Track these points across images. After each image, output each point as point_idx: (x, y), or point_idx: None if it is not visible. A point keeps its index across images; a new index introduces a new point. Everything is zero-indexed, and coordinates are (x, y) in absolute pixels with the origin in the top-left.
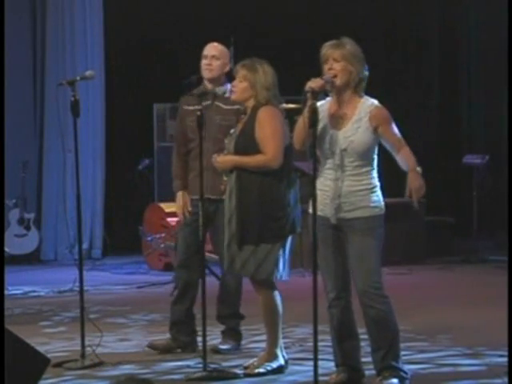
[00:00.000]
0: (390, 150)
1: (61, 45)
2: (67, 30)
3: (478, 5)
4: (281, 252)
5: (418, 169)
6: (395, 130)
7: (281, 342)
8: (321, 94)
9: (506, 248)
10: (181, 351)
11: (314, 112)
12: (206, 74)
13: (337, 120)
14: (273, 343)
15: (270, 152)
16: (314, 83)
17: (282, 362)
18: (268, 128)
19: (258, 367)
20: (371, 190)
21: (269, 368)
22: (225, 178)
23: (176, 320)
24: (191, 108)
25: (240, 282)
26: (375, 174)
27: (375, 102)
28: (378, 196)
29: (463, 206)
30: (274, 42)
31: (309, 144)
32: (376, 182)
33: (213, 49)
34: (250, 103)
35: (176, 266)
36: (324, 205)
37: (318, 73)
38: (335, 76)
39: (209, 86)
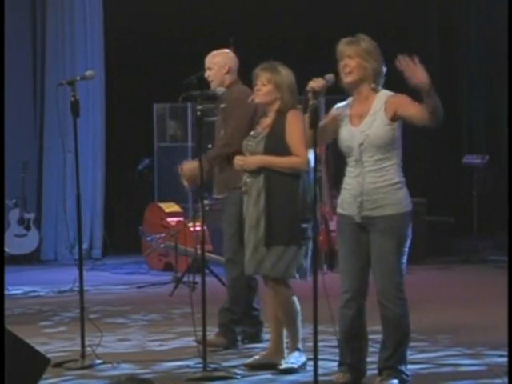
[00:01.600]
0: (418, 122)
1: (61, 45)
2: (67, 30)
3: (478, 5)
4: (305, 252)
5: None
6: (416, 103)
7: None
8: (322, 93)
9: (506, 248)
10: (248, 342)
11: (315, 112)
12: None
13: (356, 117)
14: (296, 339)
15: (303, 155)
16: (315, 83)
17: (305, 357)
18: (298, 131)
19: (290, 363)
20: (393, 186)
21: (299, 363)
22: (247, 180)
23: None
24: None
25: (248, 283)
26: (398, 168)
27: (391, 93)
28: (401, 193)
29: (463, 205)
30: (274, 41)
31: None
32: (399, 177)
33: (206, 61)
34: (275, 106)
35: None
36: (348, 203)
37: (319, 72)
38: (350, 72)
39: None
